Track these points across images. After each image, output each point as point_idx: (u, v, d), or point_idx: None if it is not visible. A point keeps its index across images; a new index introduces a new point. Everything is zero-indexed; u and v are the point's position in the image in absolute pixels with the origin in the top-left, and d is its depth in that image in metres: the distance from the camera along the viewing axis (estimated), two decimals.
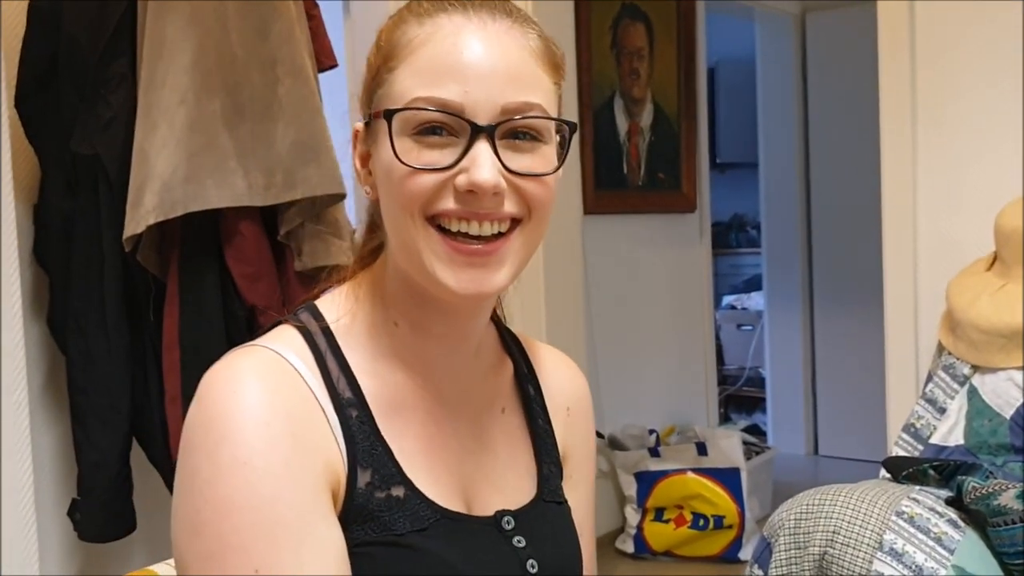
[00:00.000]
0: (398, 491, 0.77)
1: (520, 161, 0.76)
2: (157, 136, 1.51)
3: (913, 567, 1.25)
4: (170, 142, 1.52)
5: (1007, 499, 1.30)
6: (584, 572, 0.92)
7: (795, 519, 1.34)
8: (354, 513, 0.75)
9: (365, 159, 0.82)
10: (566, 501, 0.91)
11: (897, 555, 1.25)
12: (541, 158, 0.77)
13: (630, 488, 3.26)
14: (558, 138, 0.79)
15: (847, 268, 4.13)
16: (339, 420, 0.76)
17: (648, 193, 3.62)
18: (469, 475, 0.84)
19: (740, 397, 4.96)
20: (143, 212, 1.48)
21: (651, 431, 3.45)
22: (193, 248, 1.56)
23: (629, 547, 3.24)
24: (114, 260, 1.59)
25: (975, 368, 1.66)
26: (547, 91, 0.78)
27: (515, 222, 0.77)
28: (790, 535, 1.34)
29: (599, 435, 3.27)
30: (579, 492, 0.94)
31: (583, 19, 3.16)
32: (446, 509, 0.79)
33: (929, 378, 1.76)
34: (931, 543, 1.28)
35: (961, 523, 1.33)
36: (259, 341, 0.79)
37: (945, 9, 2.02)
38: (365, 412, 0.78)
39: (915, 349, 2.05)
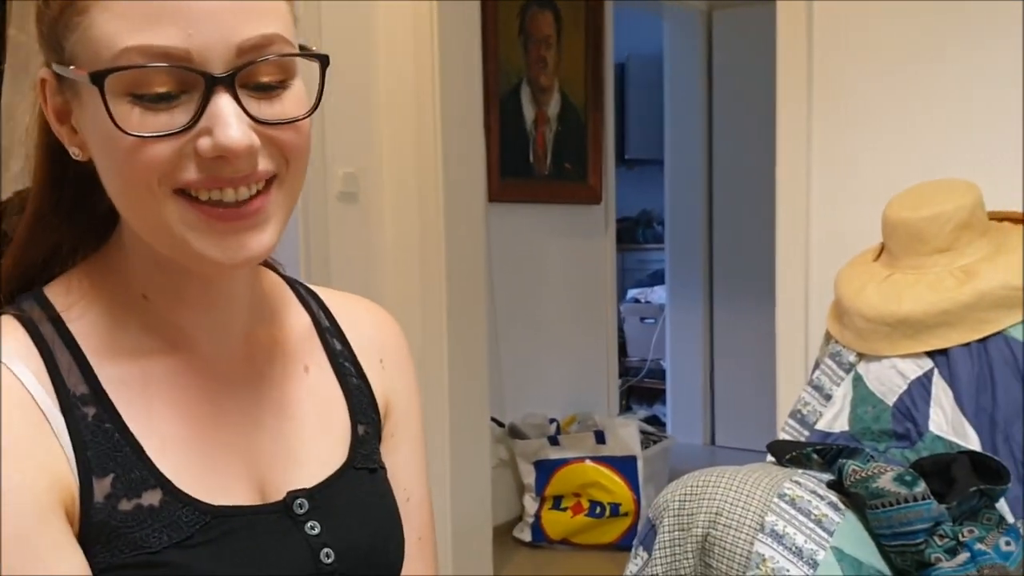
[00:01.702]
0: (152, 497, 0.66)
1: (270, 108, 0.64)
2: (26, 99, 1.43)
3: (793, 548, 1.26)
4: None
5: (885, 482, 1.33)
6: (414, 540, 0.83)
7: (679, 501, 1.34)
8: (95, 533, 0.63)
9: (63, 115, 0.67)
10: (381, 467, 0.81)
11: (778, 536, 1.26)
12: (292, 100, 0.65)
13: (529, 476, 3.27)
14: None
15: (746, 264, 4.22)
16: (66, 424, 0.64)
17: (554, 183, 3.62)
18: (261, 454, 0.73)
19: (642, 388, 5.02)
20: (9, 177, 1.40)
21: (552, 420, 3.46)
22: None
23: (527, 536, 3.24)
24: None
25: (860, 356, 1.69)
26: (283, 15, 0.65)
27: (269, 180, 0.66)
28: (674, 516, 1.34)
29: (499, 423, 3.27)
30: (403, 451, 0.85)
31: (490, 5, 3.13)
32: (219, 506, 0.68)
33: (816, 366, 1.79)
34: (811, 525, 1.30)
35: (841, 506, 1.35)
36: None
37: (842, 9, 2.06)
38: (105, 407, 0.66)
39: (805, 338, 2.09)
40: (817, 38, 2.10)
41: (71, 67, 0.63)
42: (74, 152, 0.67)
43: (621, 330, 4.91)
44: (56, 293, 0.71)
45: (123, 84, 0.61)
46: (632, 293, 5.27)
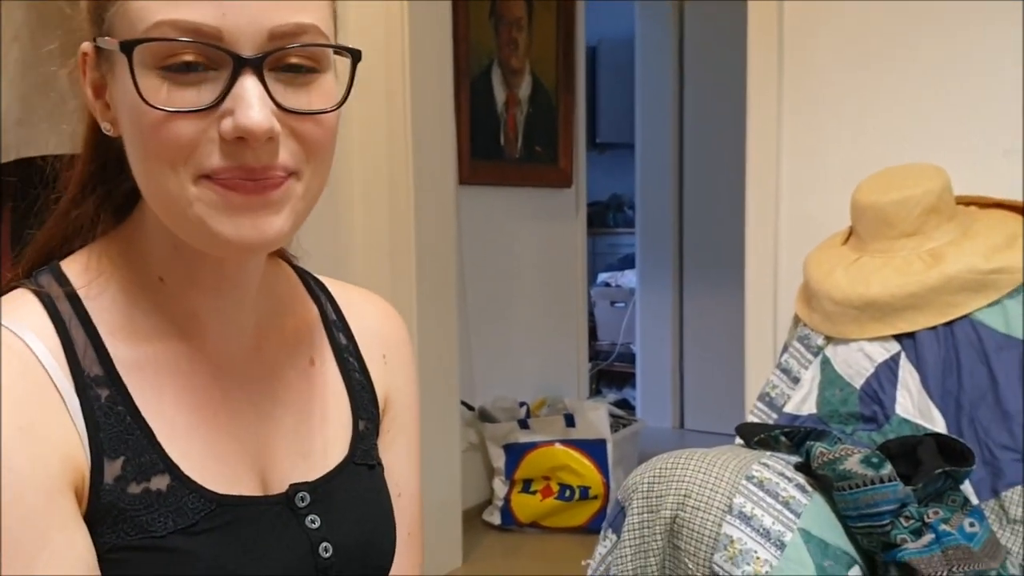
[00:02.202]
0: (160, 482, 0.66)
1: (296, 98, 0.64)
2: None
3: (761, 530, 1.27)
4: (1, 81, 1.40)
5: (852, 464, 1.33)
6: (404, 535, 0.84)
7: (648, 483, 1.34)
8: (102, 514, 0.64)
9: (99, 89, 0.68)
10: (379, 463, 0.82)
11: (746, 518, 1.27)
12: (320, 92, 0.66)
13: (499, 460, 3.27)
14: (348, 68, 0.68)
15: (716, 248, 4.23)
16: (80, 405, 0.65)
17: (525, 166, 3.61)
18: (265, 445, 0.74)
19: (612, 372, 5.04)
20: None
21: (522, 404, 3.46)
22: (27, 196, 1.45)
23: (496, 519, 3.24)
24: None
25: (828, 339, 1.70)
26: (321, 8, 0.66)
27: (290, 174, 0.66)
28: (643, 499, 1.34)
29: (468, 407, 3.26)
30: (398, 446, 0.86)
31: None
32: (224, 495, 0.69)
33: (785, 349, 1.80)
34: (779, 507, 1.30)
35: (809, 488, 1.36)
36: None
37: None
38: (118, 390, 0.67)
39: (773, 322, 2.09)
40: (788, 24, 2.10)
41: (106, 38, 0.64)
42: (106, 127, 0.68)
43: (591, 314, 4.91)
44: (74, 269, 0.71)
45: (153, 57, 0.61)
46: (602, 277, 5.27)
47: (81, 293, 0.69)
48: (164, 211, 0.66)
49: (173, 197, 0.64)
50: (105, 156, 0.72)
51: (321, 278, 0.87)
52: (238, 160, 0.62)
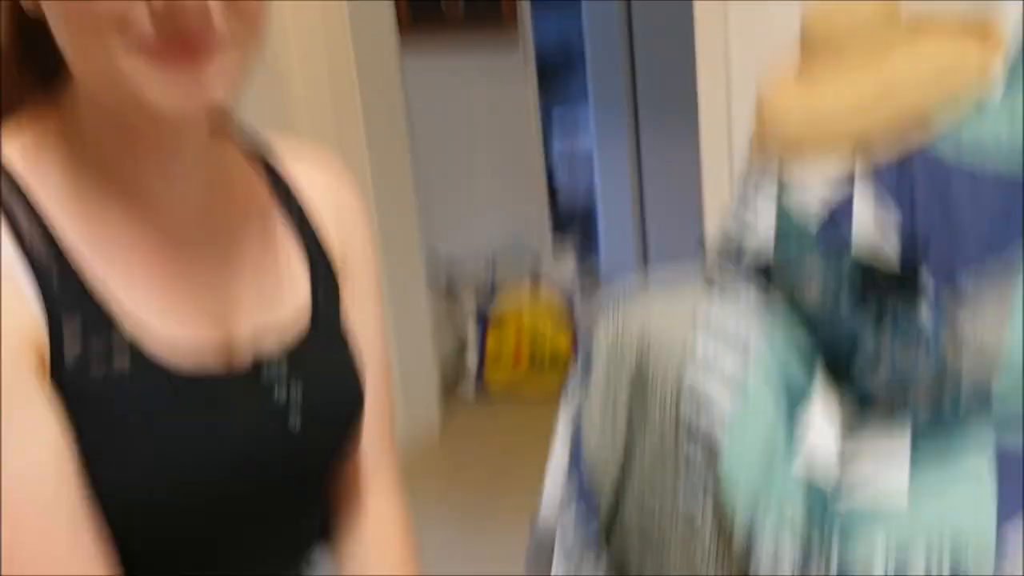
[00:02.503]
0: (121, 362, 0.65)
1: None
2: None
3: (721, 375, 1.26)
4: None
5: (811, 293, 1.33)
6: (372, 403, 0.83)
7: (612, 337, 1.33)
8: (65, 397, 0.63)
9: None
10: (343, 330, 0.82)
11: (707, 364, 1.26)
12: None
13: (469, 333, 3.27)
14: None
15: (669, 102, 4.15)
16: (33, 285, 0.63)
17: (467, 26, 3.47)
18: (225, 316, 0.73)
19: (575, 235, 5.02)
20: None
21: (488, 274, 3.44)
22: None
23: (470, 392, 3.27)
24: None
25: (784, 171, 1.68)
26: None
27: (223, 43, 0.64)
28: (605, 354, 1.33)
29: (433, 281, 3.24)
30: (358, 309, 0.85)
31: None
32: (189, 372, 0.68)
33: (742, 186, 1.77)
34: (738, 345, 1.30)
35: (766, 313, 1.35)
36: None
37: None
38: (68, 268, 0.65)
39: (730, 165, 2.07)
40: None
41: None
42: (27, 6, 0.65)
43: (551, 178, 4.87)
44: (10, 150, 0.68)
45: None
46: (559, 145, 5.22)
47: (20, 173, 0.66)
48: (95, 84, 0.64)
49: (103, 69, 0.62)
50: (30, 34, 0.68)
51: (268, 140, 0.84)
52: (170, 28, 0.60)
